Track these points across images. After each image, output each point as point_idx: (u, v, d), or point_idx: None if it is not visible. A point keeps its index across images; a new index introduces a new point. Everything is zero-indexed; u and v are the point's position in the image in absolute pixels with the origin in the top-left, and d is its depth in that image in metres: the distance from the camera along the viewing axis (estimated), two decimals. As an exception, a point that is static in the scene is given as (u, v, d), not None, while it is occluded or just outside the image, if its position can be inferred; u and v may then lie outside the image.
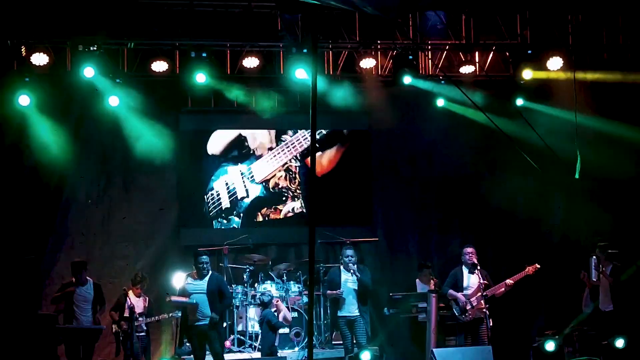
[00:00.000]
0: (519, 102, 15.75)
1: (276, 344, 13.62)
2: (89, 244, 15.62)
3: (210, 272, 12.88)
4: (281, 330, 14.18)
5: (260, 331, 13.89)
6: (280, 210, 16.52)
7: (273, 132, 16.70)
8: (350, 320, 13.22)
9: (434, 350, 12.93)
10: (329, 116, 16.32)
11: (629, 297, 13.70)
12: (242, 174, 16.42)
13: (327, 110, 16.15)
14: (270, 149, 16.63)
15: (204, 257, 12.85)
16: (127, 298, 13.64)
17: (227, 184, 16.37)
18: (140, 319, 13.53)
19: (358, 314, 13.24)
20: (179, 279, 13.83)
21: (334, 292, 13.23)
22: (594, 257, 13.88)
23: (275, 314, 13.67)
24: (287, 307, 14.32)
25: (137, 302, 13.77)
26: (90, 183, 15.81)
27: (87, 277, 13.66)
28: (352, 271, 13.20)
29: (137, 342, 13.44)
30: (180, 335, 13.25)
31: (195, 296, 12.64)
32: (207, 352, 12.90)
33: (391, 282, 16.22)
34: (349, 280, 13.29)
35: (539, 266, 13.87)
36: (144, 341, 13.77)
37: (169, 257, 15.88)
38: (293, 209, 16.53)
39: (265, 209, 16.50)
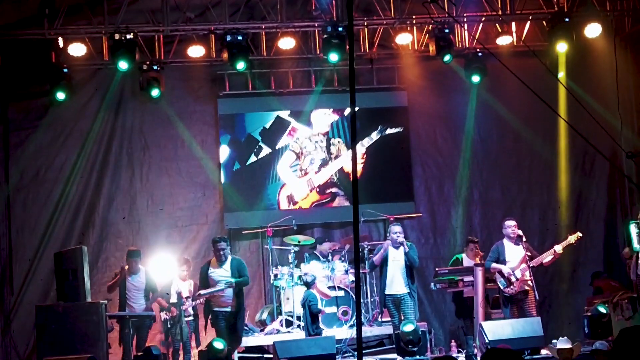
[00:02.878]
0: (561, 73, 15.57)
1: (321, 326, 13.67)
2: (134, 231, 15.70)
3: (229, 257, 12.92)
4: (328, 310, 14.24)
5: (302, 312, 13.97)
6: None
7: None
8: (397, 299, 13.17)
9: (482, 323, 12.89)
10: (367, 94, 16.24)
11: None
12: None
13: (365, 88, 16.17)
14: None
15: (222, 243, 12.85)
16: (173, 283, 13.77)
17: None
18: (187, 303, 13.61)
19: (406, 291, 13.17)
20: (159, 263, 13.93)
21: (379, 253, 13.24)
22: (634, 224, 13.71)
23: (317, 295, 13.74)
24: (334, 287, 14.37)
25: (183, 287, 13.86)
26: (133, 171, 15.87)
27: (140, 266, 13.79)
28: (401, 244, 13.17)
29: (186, 326, 13.54)
30: (205, 322, 13.25)
31: (221, 284, 12.71)
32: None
33: (436, 257, 16.26)
34: (395, 258, 13.25)
35: (581, 235, 13.80)
36: (192, 325, 13.84)
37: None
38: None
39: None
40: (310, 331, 13.40)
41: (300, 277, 14.30)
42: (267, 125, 16.34)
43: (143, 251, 14.75)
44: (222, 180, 16.07)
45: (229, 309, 12.77)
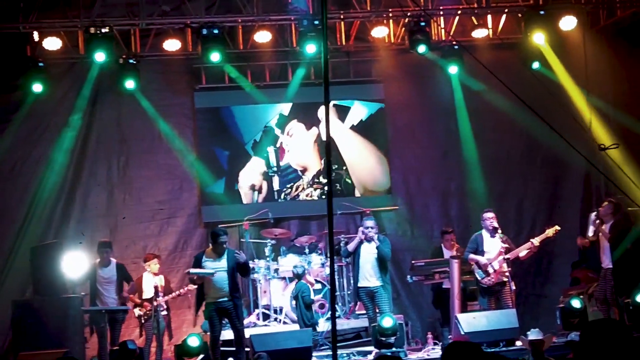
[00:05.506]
0: (535, 65, 15.60)
1: (315, 319, 13.73)
2: (111, 225, 15.65)
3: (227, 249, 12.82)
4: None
5: (293, 305, 13.97)
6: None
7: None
8: (371, 292, 13.22)
9: (458, 315, 12.96)
10: (344, 87, 16.29)
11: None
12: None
13: (342, 81, 16.21)
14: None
15: (225, 236, 12.61)
16: (145, 278, 13.82)
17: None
18: (158, 298, 13.59)
19: (380, 284, 13.21)
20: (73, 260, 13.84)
21: (353, 241, 13.33)
22: (594, 213, 13.80)
23: (309, 286, 13.81)
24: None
25: (154, 281, 13.84)
26: (110, 164, 15.83)
27: (110, 258, 13.77)
28: (372, 239, 13.20)
29: (163, 320, 13.55)
30: (195, 312, 13.11)
31: (217, 274, 12.45)
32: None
33: (414, 249, 16.25)
34: (367, 251, 13.30)
35: (559, 228, 13.87)
36: (165, 320, 13.78)
37: (192, 235, 15.98)
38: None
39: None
40: (306, 321, 13.50)
41: (277, 270, 14.35)
42: (257, 138, 16.34)
43: (121, 245, 14.83)
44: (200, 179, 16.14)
45: (226, 299, 12.40)
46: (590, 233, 13.59)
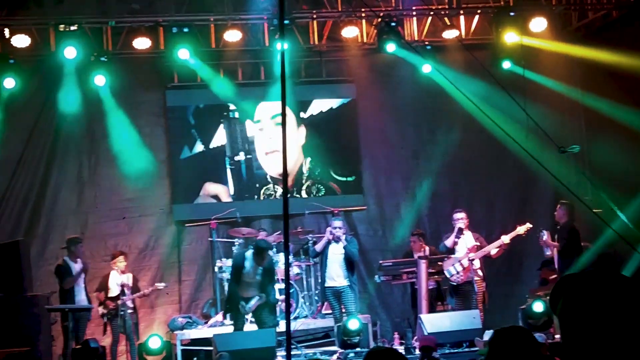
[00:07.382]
0: (506, 65, 15.59)
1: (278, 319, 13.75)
2: (81, 223, 15.59)
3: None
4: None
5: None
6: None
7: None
8: (338, 291, 13.28)
9: (421, 316, 13.00)
10: (315, 86, 16.31)
11: None
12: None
13: (314, 81, 16.22)
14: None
15: (271, 252, 13.07)
16: (112, 276, 13.80)
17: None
18: (124, 296, 13.58)
19: (347, 284, 13.27)
20: None
21: (321, 241, 13.44)
22: (543, 231, 13.80)
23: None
24: (277, 279, 14.41)
25: (121, 280, 13.83)
26: (81, 161, 15.79)
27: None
28: (339, 239, 13.25)
29: (129, 318, 13.54)
30: (225, 312, 13.32)
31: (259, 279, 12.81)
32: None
33: (385, 249, 16.28)
34: (335, 251, 13.33)
35: (530, 226, 13.92)
36: (133, 318, 13.78)
37: (163, 233, 15.95)
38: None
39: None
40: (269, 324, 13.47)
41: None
42: (201, 105, 16.25)
43: (91, 244, 14.82)
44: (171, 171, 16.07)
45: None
46: (548, 252, 13.66)
